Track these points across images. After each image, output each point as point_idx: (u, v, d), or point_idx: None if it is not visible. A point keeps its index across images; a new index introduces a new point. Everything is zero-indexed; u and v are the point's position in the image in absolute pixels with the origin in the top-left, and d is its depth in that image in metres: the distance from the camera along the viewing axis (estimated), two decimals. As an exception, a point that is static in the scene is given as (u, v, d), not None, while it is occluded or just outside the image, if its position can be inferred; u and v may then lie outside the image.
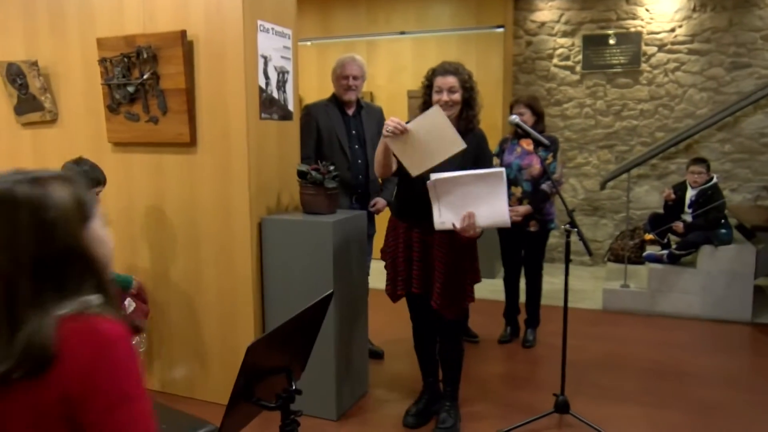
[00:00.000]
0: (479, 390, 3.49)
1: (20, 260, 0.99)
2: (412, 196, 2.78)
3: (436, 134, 2.60)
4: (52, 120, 3.51)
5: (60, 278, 1.01)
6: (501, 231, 4.11)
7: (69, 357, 0.96)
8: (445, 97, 2.77)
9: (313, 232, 3.01)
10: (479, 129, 2.91)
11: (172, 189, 3.25)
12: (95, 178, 2.84)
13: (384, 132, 2.63)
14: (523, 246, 4.14)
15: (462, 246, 2.82)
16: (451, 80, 2.77)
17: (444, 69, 2.82)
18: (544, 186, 3.81)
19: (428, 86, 2.86)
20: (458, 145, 2.59)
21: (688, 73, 5.92)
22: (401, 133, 2.60)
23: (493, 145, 4.45)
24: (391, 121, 2.60)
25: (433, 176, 2.63)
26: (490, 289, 5.13)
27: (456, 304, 2.87)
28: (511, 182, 3.92)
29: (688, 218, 4.74)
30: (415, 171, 2.66)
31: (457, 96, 2.78)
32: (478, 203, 2.63)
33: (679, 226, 4.76)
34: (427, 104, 2.84)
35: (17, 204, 1.00)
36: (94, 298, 1.03)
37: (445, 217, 2.67)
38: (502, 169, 2.68)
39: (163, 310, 3.38)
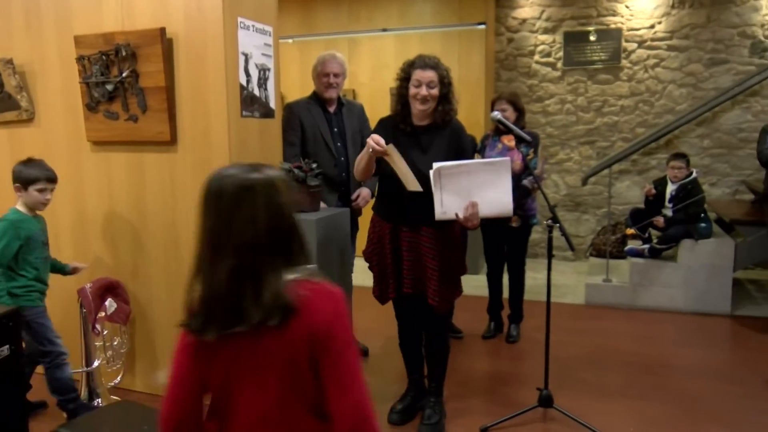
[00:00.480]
0: (464, 386, 3.50)
1: (261, 234, 1.25)
2: (396, 194, 2.76)
3: None
4: (29, 119, 3.45)
5: (287, 250, 1.29)
6: (483, 227, 4.12)
7: (314, 311, 1.24)
8: (423, 91, 2.73)
9: (296, 230, 2.99)
10: (456, 120, 2.89)
11: (153, 188, 3.22)
12: (52, 176, 2.92)
13: (367, 150, 2.63)
14: (505, 242, 4.16)
15: (452, 239, 2.83)
16: (431, 75, 2.73)
17: (424, 62, 2.77)
18: (525, 182, 3.83)
19: (405, 78, 2.81)
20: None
21: (667, 69, 5.98)
22: (383, 152, 2.59)
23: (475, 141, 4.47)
24: (371, 140, 2.59)
25: (437, 164, 2.61)
26: (473, 284, 5.14)
27: (449, 298, 2.88)
28: None
29: (669, 213, 4.79)
30: (411, 186, 2.65)
31: (435, 91, 2.74)
32: (482, 192, 2.61)
33: (659, 220, 4.81)
34: (403, 97, 2.82)
35: (256, 190, 1.27)
36: (312, 268, 1.31)
37: (447, 206, 2.64)
38: (508, 159, 2.68)
39: (145, 310, 3.34)
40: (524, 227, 4.04)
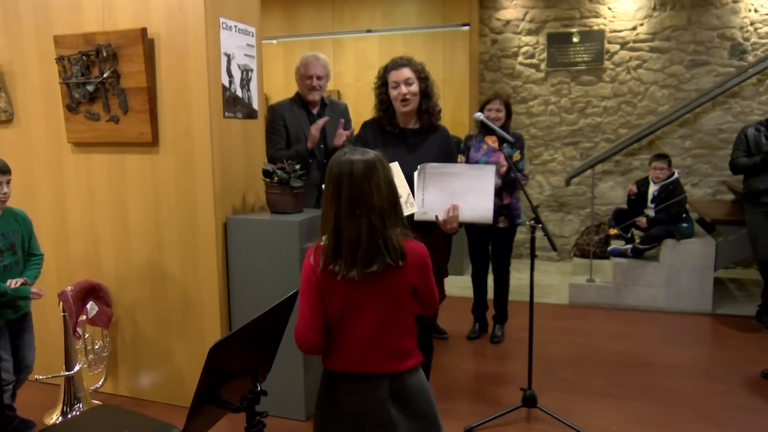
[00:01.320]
0: (448, 386, 3.50)
1: (384, 199, 1.67)
2: None
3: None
4: (8, 120, 3.41)
5: (397, 212, 1.72)
6: (468, 228, 4.13)
7: (414, 254, 1.72)
8: (403, 89, 2.72)
9: (280, 231, 2.98)
10: (443, 126, 2.90)
11: (135, 189, 3.19)
12: (3, 167, 2.64)
13: None
14: (490, 242, 4.18)
15: (435, 243, 2.82)
16: (406, 72, 2.73)
17: (396, 63, 2.78)
18: (519, 176, 3.85)
19: (383, 84, 2.81)
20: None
21: (649, 70, 6.04)
22: None
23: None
24: None
25: (423, 164, 2.61)
26: (458, 285, 5.17)
27: (434, 303, 2.86)
28: None
29: (651, 213, 4.84)
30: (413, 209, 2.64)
31: (414, 87, 2.73)
32: (464, 196, 2.61)
33: (642, 221, 4.86)
34: (384, 102, 2.81)
35: (377, 167, 1.68)
36: (405, 228, 1.73)
37: (428, 207, 2.62)
38: (494, 166, 2.70)
39: (128, 312, 3.31)
40: (510, 227, 4.06)
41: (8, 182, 2.61)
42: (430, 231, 2.74)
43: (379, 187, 1.66)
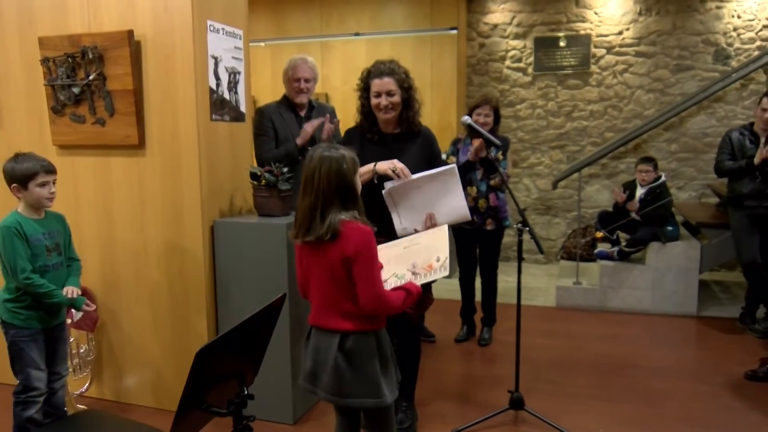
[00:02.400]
0: (436, 389, 3.51)
1: (327, 185, 1.96)
2: (373, 204, 2.72)
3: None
4: (-8, 122, 3.38)
5: (343, 199, 1.98)
6: (456, 231, 4.15)
7: (350, 237, 1.95)
8: (383, 101, 2.71)
9: (267, 234, 2.97)
10: (426, 128, 2.90)
11: (121, 192, 3.17)
12: (50, 166, 2.59)
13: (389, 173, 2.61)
14: (478, 245, 4.19)
15: None
16: (388, 82, 2.70)
17: (379, 71, 2.74)
18: (500, 175, 3.87)
19: (365, 89, 2.79)
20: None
21: (635, 74, 6.09)
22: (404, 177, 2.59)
23: (446, 145, 4.49)
24: (398, 165, 2.59)
25: (387, 185, 2.61)
26: (446, 288, 5.17)
27: (423, 306, 2.88)
28: (467, 182, 3.97)
29: (637, 216, 4.87)
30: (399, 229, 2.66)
31: (395, 98, 2.71)
32: (436, 203, 2.62)
33: (633, 204, 4.81)
34: (365, 107, 2.81)
35: (330, 159, 1.98)
36: (356, 213, 2.00)
37: (406, 223, 2.65)
38: (454, 165, 2.68)
39: (113, 316, 3.29)
40: (498, 229, 4.07)
41: (54, 182, 2.59)
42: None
43: (327, 175, 1.96)
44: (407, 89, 2.74)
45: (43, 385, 2.61)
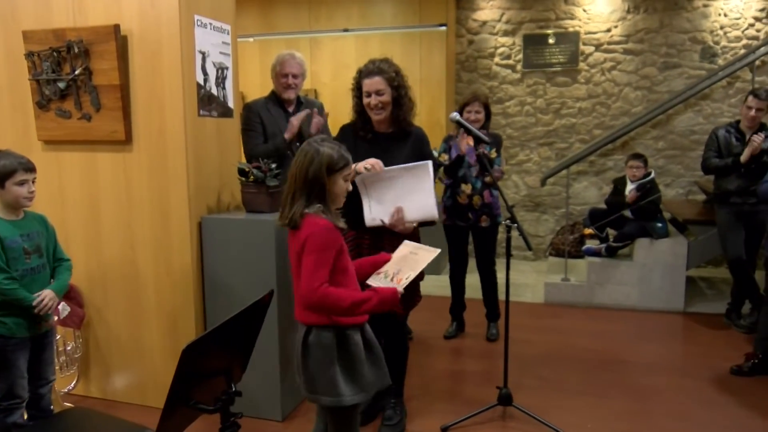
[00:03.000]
0: (424, 386, 3.51)
1: (299, 178, 2.02)
2: (360, 202, 2.71)
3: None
4: (-24, 117, 3.33)
5: (309, 192, 2.02)
6: (449, 227, 4.16)
7: (305, 229, 1.99)
8: (373, 100, 2.73)
9: (255, 231, 2.96)
10: (418, 128, 2.90)
11: (107, 189, 3.14)
12: (28, 164, 2.47)
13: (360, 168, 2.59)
14: (474, 242, 4.19)
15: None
16: (377, 81, 2.71)
17: (369, 70, 2.75)
18: (495, 173, 3.90)
19: (358, 88, 2.81)
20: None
21: (623, 72, 6.12)
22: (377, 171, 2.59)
23: (436, 142, 4.49)
24: (369, 163, 2.58)
25: (362, 174, 2.61)
26: (434, 284, 5.18)
27: (411, 304, 2.88)
28: (461, 179, 3.98)
29: (627, 212, 4.90)
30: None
31: (385, 97, 2.72)
32: (406, 197, 2.60)
33: (632, 196, 4.83)
34: (358, 106, 2.82)
35: (307, 153, 2.03)
36: (320, 207, 2.02)
37: (375, 213, 2.64)
38: (429, 162, 2.63)
39: (101, 313, 3.26)
40: (492, 226, 4.08)
41: (34, 180, 2.47)
42: (408, 235, 2.74)
43: (300, 166, 2.02)
44: (397, 88, 2.74)
45: (26, 393, 2.54)
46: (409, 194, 2.59)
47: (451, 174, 4.04)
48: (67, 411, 2.68)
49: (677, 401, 3.29)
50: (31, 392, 2.60)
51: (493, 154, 3.97)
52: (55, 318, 2.80)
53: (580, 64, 6.20)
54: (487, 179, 3.92)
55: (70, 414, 2.43)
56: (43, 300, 2.44)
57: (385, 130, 2.85)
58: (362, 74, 2.78)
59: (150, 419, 2.21)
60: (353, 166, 2.56)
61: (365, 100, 2.76)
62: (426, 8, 6.20)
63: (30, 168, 2.45)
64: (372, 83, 2.72)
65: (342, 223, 2.05)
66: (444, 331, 4.36)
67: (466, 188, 3.98)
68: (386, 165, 2.64)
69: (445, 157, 4.07)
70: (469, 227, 4.07)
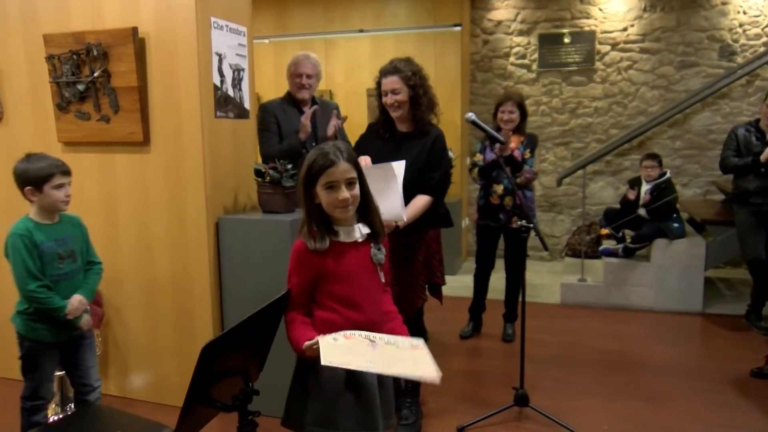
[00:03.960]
0: (440, 386, 3.49)
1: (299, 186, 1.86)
2: None
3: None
4: (-2, 119, 3.39)
5: (306, 212, 1.84)
6: (480, 227, 4.17)
7: None
8: (389, 99, 2.79)
9: (271, 231, 2.97)
10: (436, 128, 2.92)
11: (125, 189, 3.17)
12: (65, 168, 2.44)
13: None
14: (505, 243, 4.18)
15: (410, 245, 2.86)
16: (393, 80, 2.78)
17: (386, 70, 2.83)
18: (526, 175, 3.93)
19: (378, 87, 2.89)
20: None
21: (640, 71, 6.07)
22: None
23: (450, 142, 4.47)
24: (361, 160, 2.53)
25: None
26: (449, 285, 5.16)
27: (407, 303, 2.85)
28: (493, 180, 3.99)
29: (643, 212, 4.87)
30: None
31: (401, 96, 2.78)
32: (376, 196, 2.56)
33: (646, 198, 4.80)
34: (380, 105, 2.90)
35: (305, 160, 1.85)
36: (305, 228, 1.84)
37: None
38: (396, 163, 2.54)
39: (119, 313, 3.30)
40: (520, 226, 4.06)
41: (69, 183, 2.44)
42: (414, 234, 2.77)
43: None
44: (413, 87, 2.78)
45: (50, 395, 2.57)
46: (378, 193, 2.52)
47: (484, 175, 4.04)
48: (86, 408, 2.72)
49: (695, 404, 3.25)
50: (79, 400, 2.60)
51: (527, 155, 3.97)
52: (89, 319, 2.73)
53: (596, 63, 6.16)
54: (519, 180, 3.90)
55: (90, 411, 2.45)
56: (72, 305, 2.42)
57: (405, 130, 2.90)
58: (381, 73, 2.85)
59: (167, 417, 2.24)
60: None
61: (383, 99, 2.83)
62: (440, 8, 6.20)
63: (67, 171, 2.43)
64: (388, 82, 2.80)
65: (320, 244, 1.81)
66: (460, 331, 4.34)
67: (498, 188, 3.99)
68: (394, 159, 2.61)
69: (479, 157, 4.08)
70: (501, 228, 4.07)
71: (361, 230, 1.90)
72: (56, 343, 2.48)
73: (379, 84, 2.87)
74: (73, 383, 2.62)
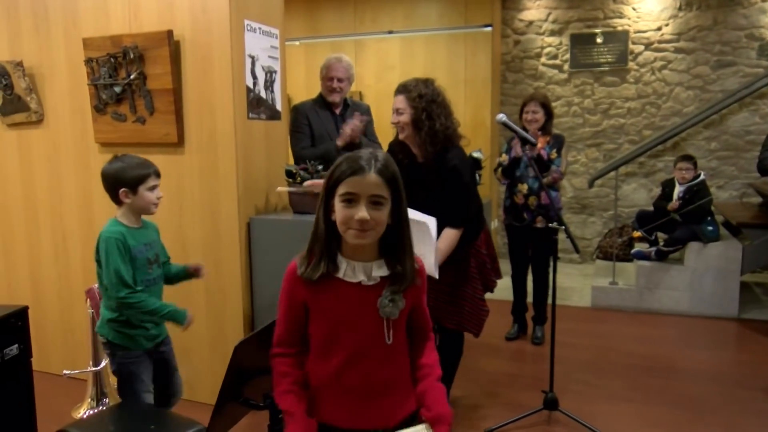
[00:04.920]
0: (470, 387, 3.50)
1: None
2: None
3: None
4: (38, 120, 3.48)
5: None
6: (507, 228, 4.18)
7: None
8: (393, 118, 2.68)
9: (302, 231, 2.95)
10: (453, 158, 2.65)
11: (160, 189, 3.22)
12: (157, 169, 2.40)
13: None
14: (531, 243, 4.17)
15: (462, 261, 2.81)
16: (398, 100, 2.66)
17: (397, 88, 2.69)
18: (553, 175, 3.93)
19: None
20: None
21: (674, 71, 5.96)
22: None
23: (480, 143, 4.47)
24: None
25: None
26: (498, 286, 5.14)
27: (476, 321, 2.88)
28: (518, 179, 3.99)
29: (676, 215, 4.78)
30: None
31: (403, 117, 2.63)
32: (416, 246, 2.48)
33: (674, 205, 4.73)
34: None
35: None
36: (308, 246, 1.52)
37: None
38: (430, 220, 2.42)
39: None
40: (548, 228, 4.03)
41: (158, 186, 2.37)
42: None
43: None
44: (416, 109, 2.60)
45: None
46: (416, 244, 2.46)
47: (508, 175, 4.04)
48: (119, 404, 2.78)
49: (729, 411, 3.19)
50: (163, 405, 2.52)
51: (554, 155, 3.94)
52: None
53: (629, 63, 6.06)
54: (546, 180, 3.88)
55: (123, 407, 2.51)
56: (189, 316, 2.35)
57: (420, 159, 2.73)
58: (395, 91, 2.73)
59: (198, 415, 2.28)
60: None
61: (391, 119, 2.71)
62: (471, 9, 6.17)
63: (159, 173, 2.37)
64: (395, 101, 2.68)
65: (311, 272, 1.47)
66: (505, 333, 4.33)
67: (522, 188, 3.98)
68: (415, 195, 2.32)
69: (504, 157, 4.08)
70: (525, 228, 4.04)
71: (374, 270, 1.48)
72: (147, 352, 2.39)
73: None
74: (160, 391, 2.49)
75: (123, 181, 2.26)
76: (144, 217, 2.42)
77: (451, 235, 2.65)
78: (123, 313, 2.29)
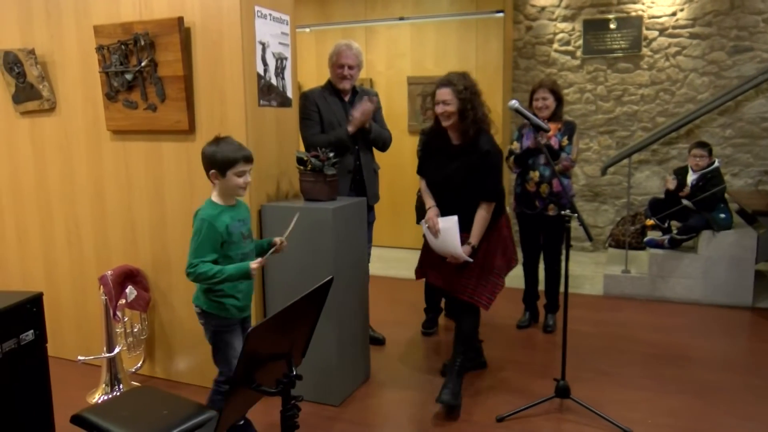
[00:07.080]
0: (481, 375, 3.50)
1: None
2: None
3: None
4: (51, 108, 3.49)
5: None
6: (518, 215, 4.15)
7: None
8: (439, 109, 3.01)
9: (314, 218, 3.00)
10: (486, 144, 3.03)
11: (171, 176, 3.24)
12: (249, 155, 2.47)
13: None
14: (542, 231, 4.15)
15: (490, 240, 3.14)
16: (445, 92, 2.99)
17: (440, 82, 3.03)
18: (563, 163, 3.92)
19: (433, 97, 3.07)
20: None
21: (689, 57, 5.88)
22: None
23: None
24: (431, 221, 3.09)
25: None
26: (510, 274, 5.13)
27: (483, 294, 3.14)
28: (530, 167, 3.98)
29: (689, 202, 4.73)
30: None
31: (450, 108, 2.98)
32: (444, 241, 3.08)
33: (686, 190, 4.70)
34: (435, 114, 3.11)
35: None
36: None
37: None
38: (453, 220, 3.02)
39: (164, 297, 3.38)
40: (559, 216, 4.01)
41: (250, 171, 2.47)
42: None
43: None
44: (463, 100, 2.96)
45: None
46: (445, 238, 3.07)
47: (520, 163, 4.01)
48: (135, 389, 2.81)
49: (743, 400, 3.17)
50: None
51: (565, 142, 3.92)
52: (123, 301, 2.70)
53: (643, 49, 5.99)
54: (557, 168, 3.85)
55: (138, 392, 2.53)
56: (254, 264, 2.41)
57: (456, 141, 3.10)
58: (437, 84, 3.05)
59: (213, 400, 2.29)
60: (430, 211, 3.14)
61: (436, 108, 3.04)
62: (483, -5, 6.12)
63: (250, 158, 2.45)
64: (441, 93, 3.00)
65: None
66: (517, 321, 4.33)
67: (534, 175, 3.95)
68: (444, 172, 3.10)
69: (516, 146, 4.05)
70: (536, 215, 4.02)
71: None
72: (241, 320, 2.56)
73: (434, 94, 3.05)
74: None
75: (213, 164, 2.39)
76: None
77: (486, 207, 3.07)
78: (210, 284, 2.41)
